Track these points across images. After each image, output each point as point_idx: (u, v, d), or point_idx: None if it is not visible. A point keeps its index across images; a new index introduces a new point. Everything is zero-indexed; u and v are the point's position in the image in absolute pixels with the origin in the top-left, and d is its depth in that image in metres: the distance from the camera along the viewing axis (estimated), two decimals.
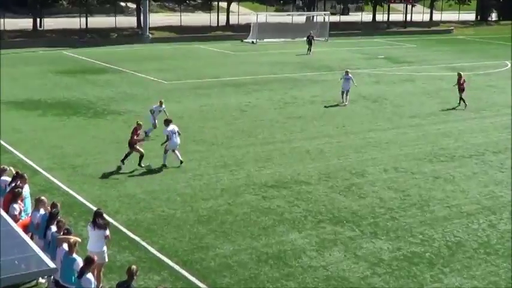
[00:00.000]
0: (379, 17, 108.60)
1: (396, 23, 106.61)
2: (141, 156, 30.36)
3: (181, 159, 30.81)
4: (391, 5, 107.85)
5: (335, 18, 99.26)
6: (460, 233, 24.61)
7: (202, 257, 21.60)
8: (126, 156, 30.40)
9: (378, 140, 37.07)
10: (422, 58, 73.13)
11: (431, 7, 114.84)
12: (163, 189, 27.93)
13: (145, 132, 34.14)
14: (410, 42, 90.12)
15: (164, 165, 30.57)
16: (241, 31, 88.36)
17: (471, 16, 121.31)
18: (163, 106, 36.44)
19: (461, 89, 46.79)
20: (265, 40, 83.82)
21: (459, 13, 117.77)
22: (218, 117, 39.82)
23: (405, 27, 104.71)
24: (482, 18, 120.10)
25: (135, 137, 30.24)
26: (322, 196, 27.76)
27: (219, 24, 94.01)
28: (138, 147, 30.34)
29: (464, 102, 46.43)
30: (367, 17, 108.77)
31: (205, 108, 42.89)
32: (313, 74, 59.52)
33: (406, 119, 42.83)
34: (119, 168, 30.12)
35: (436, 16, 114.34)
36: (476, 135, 39.30)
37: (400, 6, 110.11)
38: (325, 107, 45.19)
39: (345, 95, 46.48)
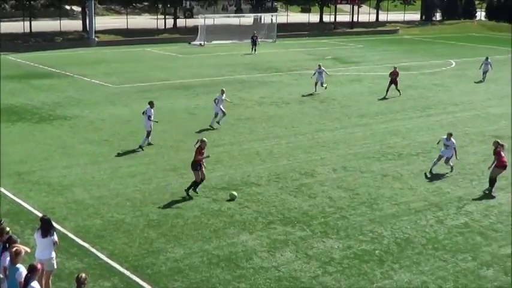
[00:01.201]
0: (326, 18, 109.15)
1: (343, 24, 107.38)
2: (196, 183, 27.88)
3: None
4: (338, 6, 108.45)
5: (283, 20, 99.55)
6: (408, 230, 24.88)
7: (153, 262, 21.46)
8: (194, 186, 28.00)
9: (326, 140, 37.28)
10: (369, 58, 73.80)
11: (377, 8, 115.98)
12: (112, 194, 27.68)
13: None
14: (357, 42, 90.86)
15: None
16: (188, 33, 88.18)
17: (416, 16, 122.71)
18: (224, 95, 40.29)
19: (393, 81, 50.28)
20: (213, 42, 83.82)
21: (404, 13, 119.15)
22: (166, 120, 39.53)
23: (352, 27, 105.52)
24: (427, 18, 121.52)
25: (199, 156, 27.61)
26: (273, 197, 27.80)
27: (166, 27, 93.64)
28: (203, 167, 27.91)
29: (399, 91, 50.57)
30: (314, 18, 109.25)
31: (154, 111, 42.49)
32: (261, 76, 59.64)
33: (354, 118, 43.14)
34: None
35: (382, 16, 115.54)
36: (423, 133, 39.75)
37: (347, 7, 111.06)
38: (276, 106, 45.32)
39: (318, 85, 49.88)
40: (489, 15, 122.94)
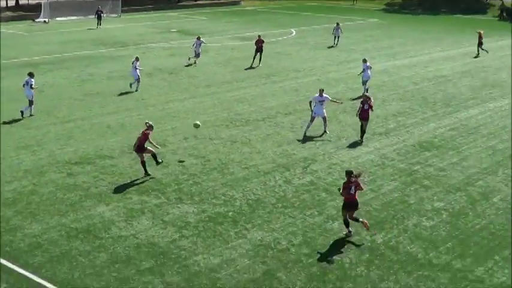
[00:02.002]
0: None
1: None
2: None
3: None
4: None
5: None
6: (259, 191, 25.55)
7: (11, 239, 21.11)
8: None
9: (176, 110, 37.50)
10: (214, 30, 74.08)
11: None
12: None
13: None
14: (201, 15, 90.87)
15: None
16: (32, 11, 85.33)
17: None
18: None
19: (259, 49, 51.33)
20: (57, 19, 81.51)
21: None
22: (15, 98, 38.44)
23: (196, 0, 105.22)
24: None
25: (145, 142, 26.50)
26: (127, 168, 27.82)
27: (8, 5, 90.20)
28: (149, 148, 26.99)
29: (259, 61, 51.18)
30: None
31: (2, 90, 41.45)
32: (108, 50, 58.86)
33: (201, 88, 43.48)
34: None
35: None
36: (268, 99, 40.56)
37: None
38: (125, 80, 45.00)
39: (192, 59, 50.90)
40: None
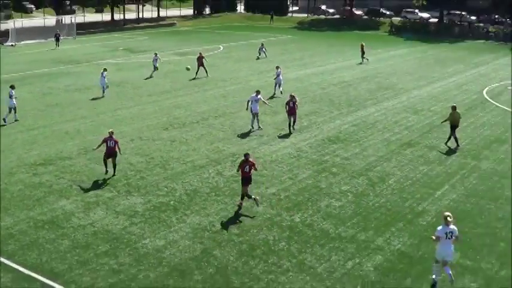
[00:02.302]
0: (117, 16, 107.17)
1: (131, 20, 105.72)
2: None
3: None
4: (126, 5, 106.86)
5: (81, 20, 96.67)
6: (195, 182, 25.39)
7: None
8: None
9: (124, 117, 37.00)
10: (154, 47, 73.11)
11: (158, 6, 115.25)
12: None
13: None
14: (143, 35, 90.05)
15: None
16: (1, 36, 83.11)
17: (190, 11, 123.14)
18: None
19: (201, 64, 51.06)
20: (23, 42, 79.87)
21: (180, 9, 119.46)
22: None
23: (138, 23, 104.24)
24: (198, 12, 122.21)
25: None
26: (83, 167, 27.35)
27: None
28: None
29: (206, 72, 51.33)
30: (107, 16, 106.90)
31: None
32: (65, 67, 57.66)
33: (145, 97, 42.99)
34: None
35: (162, 13, 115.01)
36: (201, 104, 40.36)
37: (133, 6, 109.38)
38: (80, 92, 44.26)
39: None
40: (247, 8, 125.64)
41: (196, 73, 51.00)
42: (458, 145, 30.54)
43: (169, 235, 20.41)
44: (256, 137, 32.28)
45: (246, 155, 22.55)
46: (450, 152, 29.95)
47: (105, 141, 25.95)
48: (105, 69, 43.93)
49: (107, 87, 43.42)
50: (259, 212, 22.26)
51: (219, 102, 41.20)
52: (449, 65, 60.09)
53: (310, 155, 29.31)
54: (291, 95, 33.53)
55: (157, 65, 52.70)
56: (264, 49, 63.92)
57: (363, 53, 60.70)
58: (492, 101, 42.18)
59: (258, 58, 63.01)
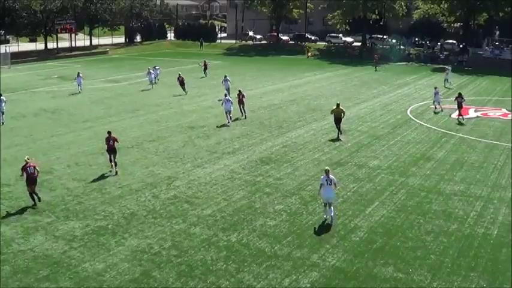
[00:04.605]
0: (50, 45, 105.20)
1: (65, 49, 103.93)
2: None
3: None
4: (59, 34, 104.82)
5: (15, 49, 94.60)
6: (132, 206, 25.08)
7: None
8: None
9: (60, 143, 36.33)
10: (87, 74, 71.94)
11: (90, 34, 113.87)
12: None
13: None
14: (77, 63, 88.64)
15: None
16: None
17: (121, 39, 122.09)
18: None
19: (181, 83, 55.82)
20: None
21: (112, 37, 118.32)
22: None
23: (71, 51, 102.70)
24: (130, 40, 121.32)
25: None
26: (22, 194, 26.54)
27: None
28: None
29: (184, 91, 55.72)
30: (40, 45, 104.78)
31: None
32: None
33: (80, 123, 42.31)
34: None
35: (95, 41, 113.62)
36: (135, 129, 39.99)
37: (66, 35, 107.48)
38: (16, 119, 43.27)
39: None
40: (177, 36, 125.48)
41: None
42: (341, 132, 37.53)
43: (109, 258, 20.05)
44: (190, 160, 32.15)
45: (109, 132, 30.04)
46: (379, 169, 30.49)
47: (24, 169, 25.19)
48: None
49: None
50: (196, 233, 22.13)
51: (152, 127, 40.90)
52: (374, 86, 61.43)
53: (244, 176, 29.36)
54: (239, 90, 44.14)
55: (153, 78, 60.57)
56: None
57: (205, 68, 70.29)
58: (416, 120, 43.27)
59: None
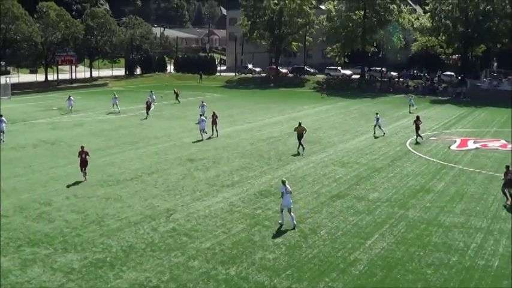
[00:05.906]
0: (51, 77, 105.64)
1: (65, 81, 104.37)
2: None
3: None
4: (59, 66, 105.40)
5: (15, 80, 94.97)
6: (131, 239, 24.90)
7: None
8: None
9: (58, 175, 36.22)
10: (87, 107, 72.52)
11: (91, 67, 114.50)
12: None
13: None
14: (77, 95, 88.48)
15: None
16: None
17: (122, 71, 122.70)
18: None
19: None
20: None
21: (112, 70, 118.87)
22: None
23: (72, 83, 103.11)
24: (130, 72, 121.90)
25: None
26: (19, 225, 26.51)
27: None
28: None
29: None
30: (41, 77, 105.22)
31: None
32: None
33: None
34: None
35: (95, 73, 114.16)
36: (134, 162, 39.91)
37: (67, 67, 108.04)
38: (15, 150, 43.21)
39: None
40: (176, 69, 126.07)
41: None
42: (303, 148, 42.66)
43: None
44: (189, 193, 32.04)
45: (82, 147, 35.12)
46: (378, 201, 30.40)
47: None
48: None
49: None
50: (195, 267, 21.96)
51: (151, 159, 40.84)
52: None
53: (243, 209, 29.23)
54: (213, 112, 50.61)
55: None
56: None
57: (177, 95, 76.18)
58: (415, 152, 43.31)
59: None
